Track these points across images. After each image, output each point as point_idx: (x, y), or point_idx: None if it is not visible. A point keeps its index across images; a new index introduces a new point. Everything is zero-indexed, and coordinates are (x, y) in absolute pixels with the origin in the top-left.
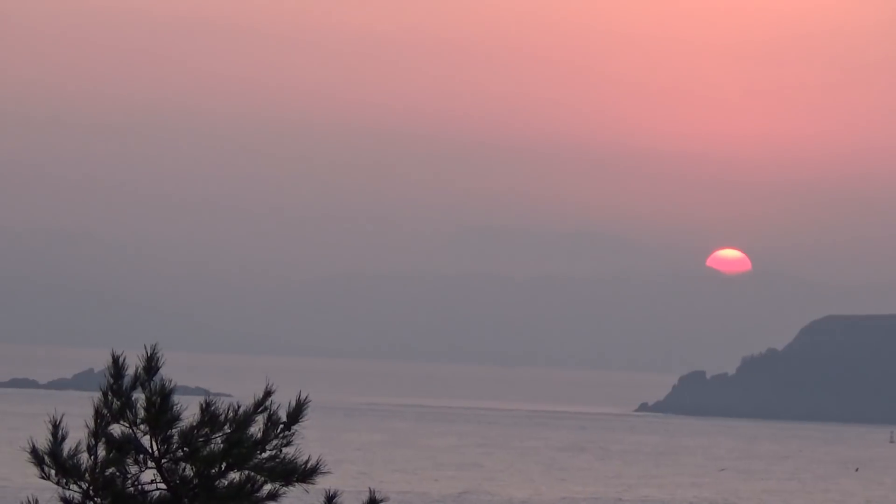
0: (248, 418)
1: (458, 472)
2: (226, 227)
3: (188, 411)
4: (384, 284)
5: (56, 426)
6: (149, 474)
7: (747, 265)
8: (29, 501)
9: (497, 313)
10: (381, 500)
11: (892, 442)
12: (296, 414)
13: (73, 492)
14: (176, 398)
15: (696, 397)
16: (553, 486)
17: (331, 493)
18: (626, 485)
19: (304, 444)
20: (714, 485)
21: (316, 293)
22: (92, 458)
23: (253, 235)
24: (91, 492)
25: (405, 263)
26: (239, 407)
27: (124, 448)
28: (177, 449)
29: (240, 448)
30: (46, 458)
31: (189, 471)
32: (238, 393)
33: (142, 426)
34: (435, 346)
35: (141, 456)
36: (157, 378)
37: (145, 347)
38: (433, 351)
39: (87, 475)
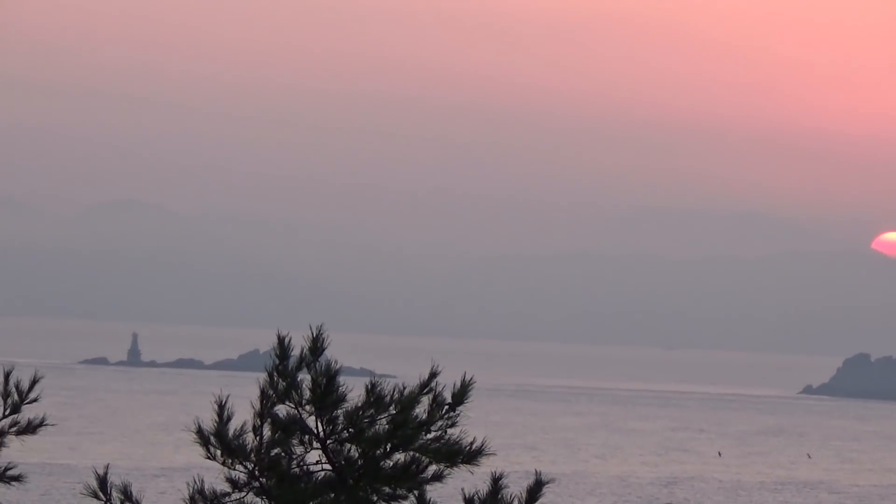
0: (413, 399)
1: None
2: (392, 210)
3: (353, 392)
4: (547, 266)
5: (222, 407)
6: (314, 455)
7: None
8: (195, 482)
9: (659, 295)
10: (547, 482)
11: None
12: (461, 395)
13: (239, 472)
14: (341, 379)
15: (860, 380)
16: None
17: (497, 474)
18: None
19: (495, 426)
20: None
21: (480, 275)
22: (257, 438)
23: (419, 217)
24: (256, 472)
25: (568, 245)
26: (404, 388)
27: (290, 429)
28: (342, 430)
29: (405, 429)
30: (212, 439)
31: (354, 452)
32: (403, 374)
33: (307, 407)
34: (596, 327)
35: (306, 437)
36: (322, 359)
37: (311, 328)
38: (594, 332)
39: (252, 456)
